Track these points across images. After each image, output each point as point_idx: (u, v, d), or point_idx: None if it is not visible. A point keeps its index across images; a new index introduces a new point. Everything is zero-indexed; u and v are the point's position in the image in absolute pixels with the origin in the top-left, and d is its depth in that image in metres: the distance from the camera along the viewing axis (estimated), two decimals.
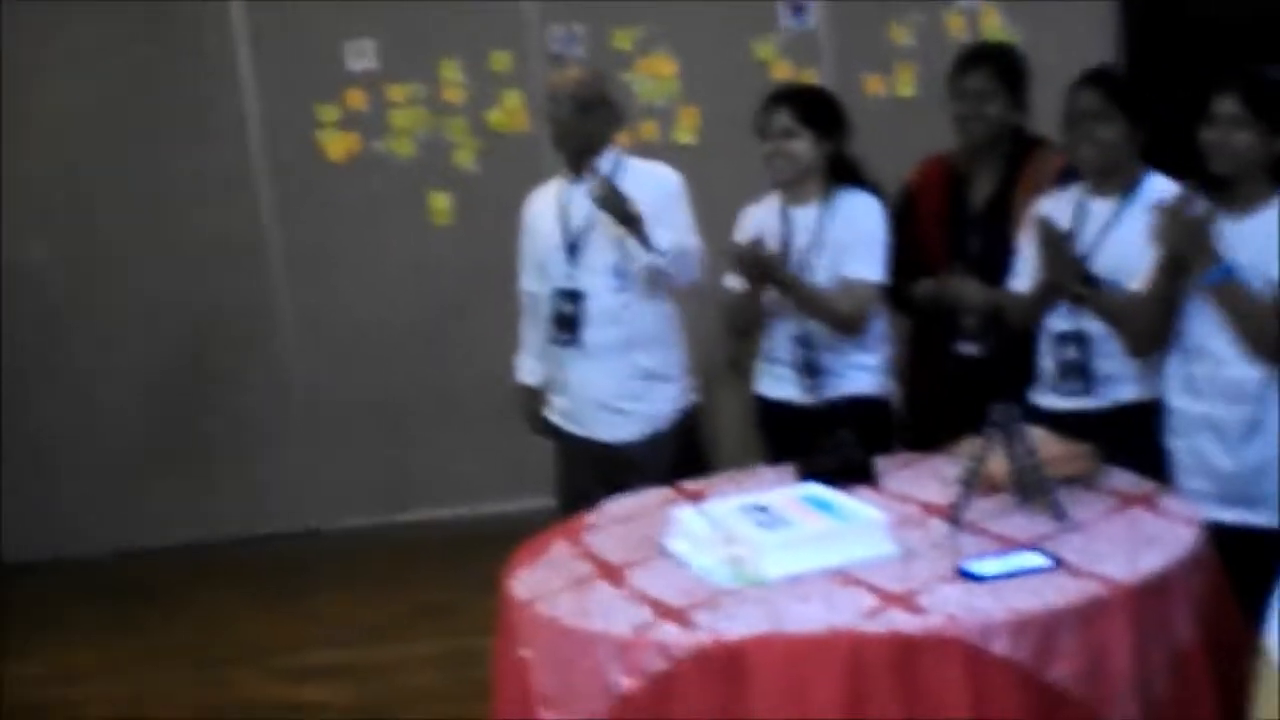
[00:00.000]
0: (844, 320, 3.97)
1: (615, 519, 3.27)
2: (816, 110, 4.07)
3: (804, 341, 4.01)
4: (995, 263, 3.96)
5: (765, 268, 3.92)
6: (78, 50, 6.25)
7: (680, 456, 4.15)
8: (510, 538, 3.23)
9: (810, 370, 4.02)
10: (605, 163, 4.17)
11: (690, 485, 3.49)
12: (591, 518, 3.30)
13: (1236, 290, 3.17)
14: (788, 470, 3.42)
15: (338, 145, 6.32)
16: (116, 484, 6.45)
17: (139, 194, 6.32)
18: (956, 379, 4.14)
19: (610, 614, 2.66)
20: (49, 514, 6.44)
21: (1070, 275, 3.52)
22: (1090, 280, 3.51)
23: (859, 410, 3.93)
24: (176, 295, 6.39)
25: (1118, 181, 3.57)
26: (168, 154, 6.29)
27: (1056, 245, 3.53)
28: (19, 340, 6.37)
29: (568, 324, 4.19)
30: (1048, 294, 3.59)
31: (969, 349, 4.12)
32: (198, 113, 6.29)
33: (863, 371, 4.04)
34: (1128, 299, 3.42)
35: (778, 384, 4.11)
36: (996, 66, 4.19)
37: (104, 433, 6.45)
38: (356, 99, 6.29)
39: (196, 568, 6.24)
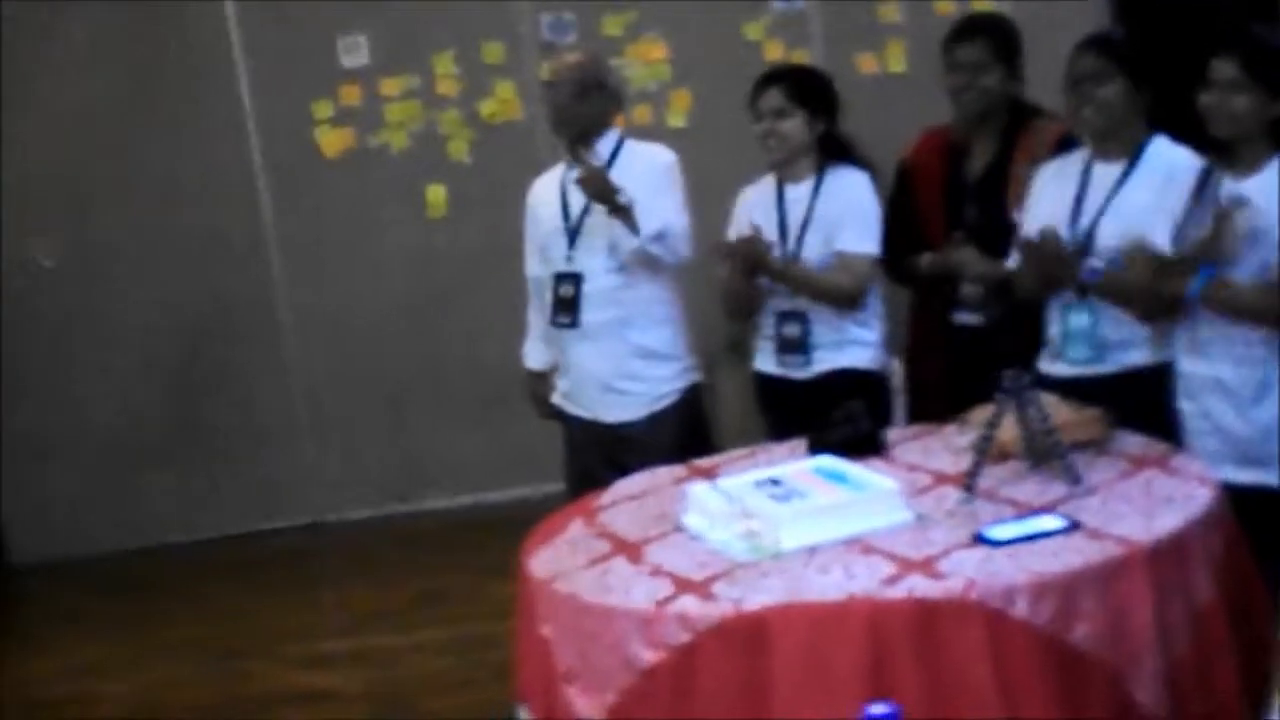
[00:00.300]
0: (843, 295, 4.02)
1: (629, 497, 3.27)
2: (808, 89, 4.11)
3: (791, 317, 4.05)
4: (993, 232, 3.99)
5: (755, 262, 3.98)
6: (75, 51, 6.25)
7: (684, 435, 4.17)
8: (515, 524, 3.25)
9: (795, 346, 4.05)
10: (604, 145, 4.19)
11: (701, 462, 3.50)
12: (606, 496, 3.31)
13: (1220, 290, 3.18)
14: (796, 445, 3.43)
15: (333, 141, 6.32)
16: (121, 482, 6.45)
17: (138, 193, 6.33)
18: (958, 349, 4.16)
19: (630, 589, 2.67)
20: (54, 513, 6.44)
21: (1067, 276, 3.52)
22: (1090, 271, 3.51)
23: (854, 384, 3.95)
24: (177, 292, 6.39)
25: (1122, 144, 3.57)
26: (166, 153, 6.29)
27: (1044, 255, 3.52)
28: (22, 341, 6.36)
29: (568, 306, 4.21)
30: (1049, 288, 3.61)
31: (970, 319, 4.14)
32: (195, 112, 6.29)
33: (857, 346, 4.08)
34: (1133, 280, 3.41)
35: (773, 360, 4.15)
36: (990, 38, 4.20)
37: (108, 431, 6.44)
38: (351, 94, 6.29)
39: (204, 563, 6.24)
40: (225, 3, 6.24)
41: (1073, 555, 2.53)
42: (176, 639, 5.34)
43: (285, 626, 5.33)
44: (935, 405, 3.80)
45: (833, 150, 4.12)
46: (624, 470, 3.65)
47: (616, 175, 4.08)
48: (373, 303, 6.41)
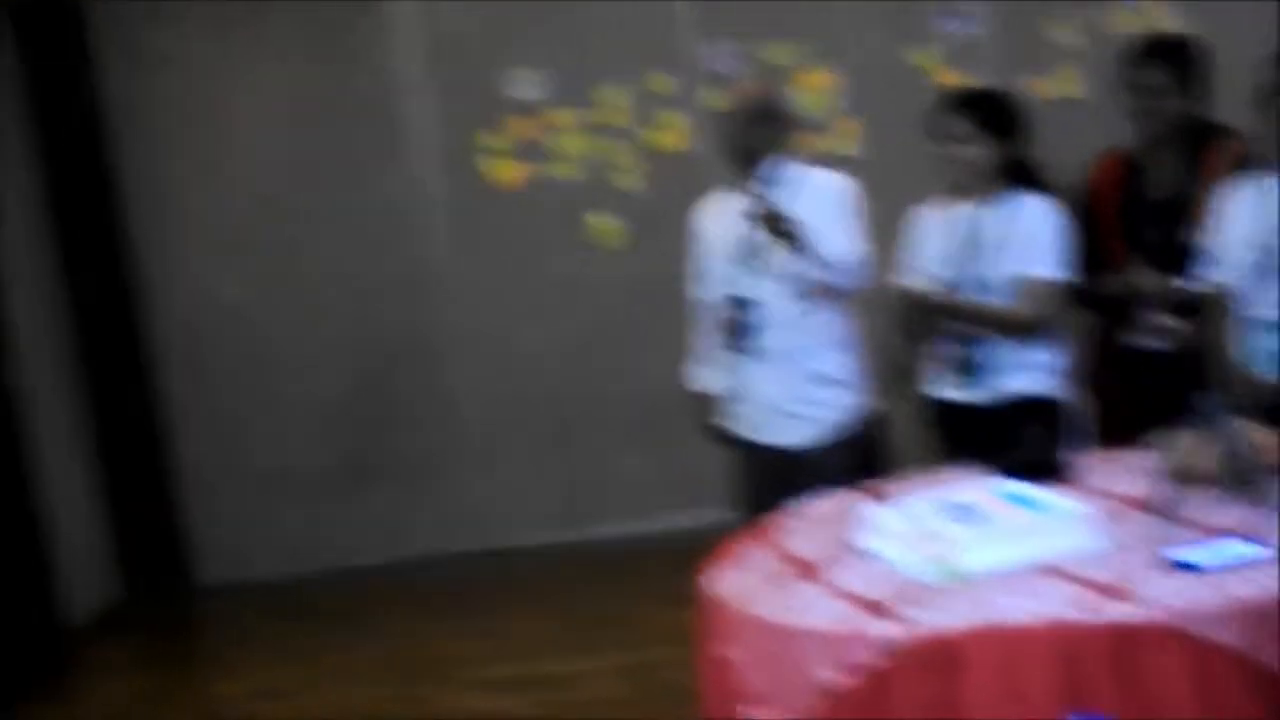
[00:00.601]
0: (1022, 325, 3.98)
1: (808, 520, 3.27)
2: (991, 113, 4.07)
3: (967, 341, 4.02)
4: (1175, 254, 3.91)
5: (929, 317, 4.00)
6: (260, 91, 6.47)
7: (859, 460, 4.15)
8: (684, 549, 3.27)
9: (972, 371, 4.02)
10: (779, 173, 4.19)
11: (879, 486, 3.48)
12: (785, 520, 3.31)
13: None
14: (975, 470, 3.39)
15: (506, 173, 6.43)
16: (301, 509, 6.62)
17: (313, 227, 6.51)
18: (1140, 373, 4.09)
19: (814, 610, 2.66)
20: (239, 538, 6.64)
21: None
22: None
23: (1034, 409, 3.91)
24: (360, 322, 6.56)
25: None
26: (345, 187, 6.47)
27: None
28: (213, 368, 6.61)
29: (741, 331, 4.22)
30: None
31: (1151, 342, 4.06)
32: (373, 147, 6.46)
33: (1033, 370, 4.05)
34: None
35: (947, 385, 4.11)
36: (1172, 60, 4.13)
37: (288, 458, 6.62)
38: (522, 127, 6.40)
39: (380, 588, 6.37)
40: (396, 40, 6.41)
41: (1272, 580, 2.46)
42: (355, 663, 5.45)
43: (460, 651, 5.41)
44: (1118, 430, 3.73)
45: (1017, 175, 4.08)
46: (796, 495, 3.64)
47: (791, 203, 4.09)
48: (543, 332, 6.50)
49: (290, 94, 6.48)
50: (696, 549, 3.20)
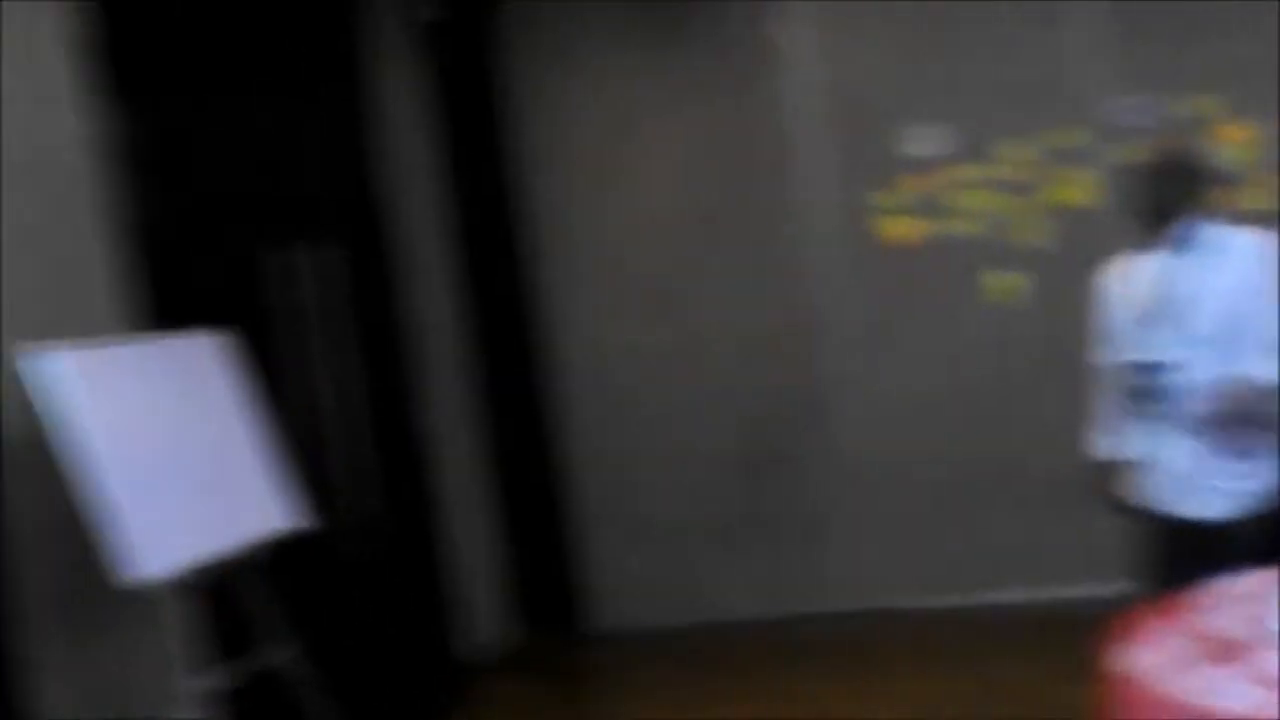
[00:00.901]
0: None
1: (1225, 598, 3.06)
2: None
3: None
4: None
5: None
6: (663, 143, 6.67)
7: (1278, 537, 3.87)
8: (1080, 622, 3.11)
9: None
10: (1190, 231, 4.00)
11: None
12: (1200, 596, 3.11)
13: None
14: None
15: (903, 228, 6.39)
16: (687, 560, 6.74)
17: (713, 276, 6.66)
18: None
19: (1233, 694, 2.50)
20: (629, 585, 6.82)
21: None
22: None
23: None
24: (750, 374, 6.65)
25: None
26: (739, 238, 6.60)
27: None
28: (605, 418, 6.84)
29: (1156, 397, 4.02)
30: None
31: None
32: (769, 199, 6.56)
33: None
34: None
35: None
36: None
37: (680, 508, 6.77)
38: (918, 183, 6.35)
39: (761, 642, 6.40)
40: (795, 95, 6.48)
41: None
42: (740, 716, 5.46)
43: (840, 713, 5.34)
44: None
45: None
46: (1209, 571, 3.42)
47: (1203, 262, 3.91)
48: (938, 390, 6.41)
49: (689, 145, 6.65)
50: (1092, 621, 3.08)
